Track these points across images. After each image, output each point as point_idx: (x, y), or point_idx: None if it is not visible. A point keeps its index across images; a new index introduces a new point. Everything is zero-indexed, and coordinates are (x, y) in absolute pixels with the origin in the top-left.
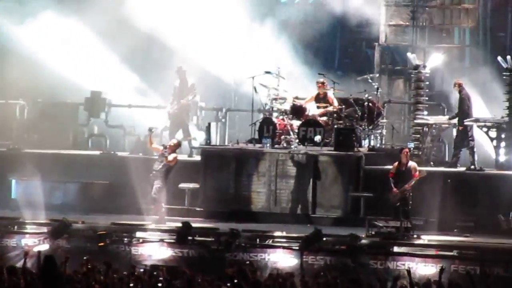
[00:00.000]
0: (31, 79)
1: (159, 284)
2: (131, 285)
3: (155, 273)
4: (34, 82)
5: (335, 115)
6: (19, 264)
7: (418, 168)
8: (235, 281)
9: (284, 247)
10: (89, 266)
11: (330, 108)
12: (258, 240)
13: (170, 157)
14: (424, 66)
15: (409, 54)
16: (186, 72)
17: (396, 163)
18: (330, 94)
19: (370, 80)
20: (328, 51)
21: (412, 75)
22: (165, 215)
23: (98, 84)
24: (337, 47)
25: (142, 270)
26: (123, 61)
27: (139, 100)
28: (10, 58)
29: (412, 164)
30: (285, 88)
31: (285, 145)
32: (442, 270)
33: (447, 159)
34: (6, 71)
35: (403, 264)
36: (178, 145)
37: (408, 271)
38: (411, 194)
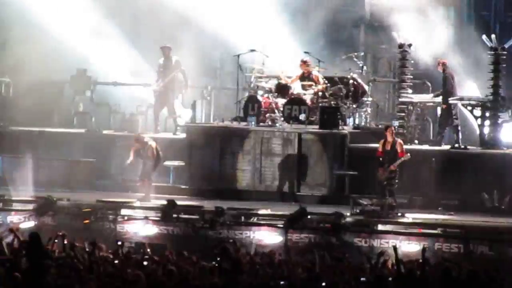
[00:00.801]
0: (16, 56)
1: (145, 262)
2: (116, 262)
3: (141, 250)
4: (19, 59)
5: (320, 93)
6: (5, 241)
7: (404, 146)
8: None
9: (269, 225)
10: (65, 242)
11: (317, 87)
12: (243, 218)
13: (146, 151)
14: (409, 45)
15: (394, 33)
16: (171, 50)
17: (382, 141)
18: (315, 72)
19: (355, 59)
20: (314, 29)
21: (397, 54)
22: (151, 193)
23: (84, 62)
24: (323, 26)
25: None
26: (112, 37)
27: (125, 78)
28: None
29: (398, 141)
30: (270, 66)
31: (270, 123)
32: (424, 250)
33: (431, 137)
34: None
35: (387, 242)
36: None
37: (395, 248)
38: (397, 172)
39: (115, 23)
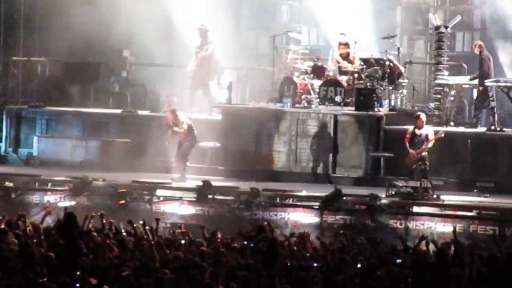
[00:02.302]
0: (53, 36)
1: (182, 241)
2: (152, 242)
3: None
4: (56, 39)
5: (356, 75)
6: (39, 220)
7: (436, 130)
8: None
9: (304, 207)
10: (103, 221)
11: (351, 68)
12: (278, 199)
13: (179, 127)
14: (446, 27)
15: (430, 15)
16: (208, 31)
17: (412, 128)
18: (352, 54)
19: (391, 41)
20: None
21: (433, 36)
22: (187, 173)
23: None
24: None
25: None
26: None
27: (162, 58)
28: (32, 16)
29: (428, 128)
30: (306, 48)
31: (305, 104)
32: (455, 230)
33: (467, 119)
34: (28, 29)
35: (423, 224)
36: (173, 114)
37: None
38: (427, 155)
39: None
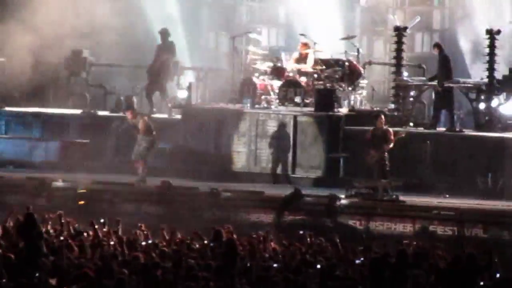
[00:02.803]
0: (12, 36)
1: (143, 243)
2: (111, 242)
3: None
4: (15, 39)
5: (315, 75)
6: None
7: (395, 130)
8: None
9: (263, 207)
10: (62, 221)
11: (313, 70)
12: (238, 199)
13: (139, 126)
14: (405, 28)
15: (389, 16)
16: (168, 33)
17: (372, 128)
18: (311, 54)
19: (351, 41)
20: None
21: (392, 36)
22: (146, 174)
23: (79, 42)
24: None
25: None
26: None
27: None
28: None
29: (387, 128)
30: (266, 49)
31: (265, 105)
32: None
33: (427, 120)
34: None
35: (382, 225)
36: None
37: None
38: (387, 155)
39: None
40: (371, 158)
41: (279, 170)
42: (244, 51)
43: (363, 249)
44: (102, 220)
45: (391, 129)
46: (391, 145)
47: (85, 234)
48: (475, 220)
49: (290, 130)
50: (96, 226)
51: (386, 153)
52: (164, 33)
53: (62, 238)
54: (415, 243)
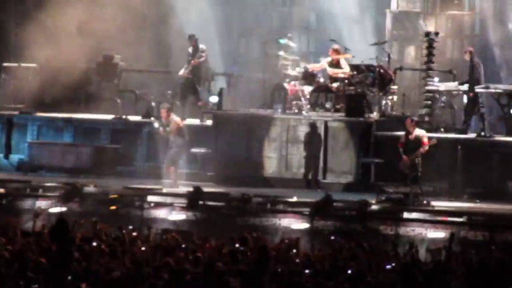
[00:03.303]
0: (44, 42)
1: (174, 248)
2: (143, 248)
3: (168, 236)
4: (47, 44)
5: (346, 81)
6: (31, 227)
7: (428, 135)
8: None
9: (294, 212)
10: (97, 228)
11: (342, 74)
12: (269, 205)
13: (170, 126)
14: (436, 33)
15: (420, 21)
16: (198, 40)
17: (404, 133)
18: (343, 60)
19: (382, 47)
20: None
21: (423, 42)
22: (178, 179)
23: (111, 48)
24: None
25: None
26: (140, 27)
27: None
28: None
29: (420, 132)
30: (297, 54)
31: (296, 110)
32: (452, 236)
33: (457, 125)
34: (20, 35)
35: (413, 230)
36: (167, 112)
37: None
38: (420, 160)
39: (145, 10)
40: (404, 164)
41: (310, 175)
42: (275, 57)
43: (394, 255)
44: (130, 227)
45: (425, 133)
46: (426, 149)
47: (115, 239)
48: (506, 226)
49: (321, 135)
50: (125, 231)
51: (419, 158)
52: (195, 39)
53: (94, 243)
54: (446, 248)
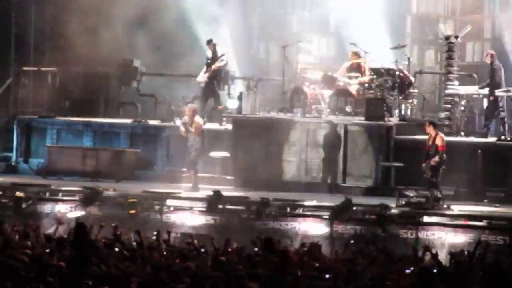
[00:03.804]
0: (63, 46)
1: (193, 252)
2: (162, 253)
3: (187, 241)
4: (67, 49)
5: (366, 85)
6: (51, 231)
7: (446, 138)
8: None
9: (314, 216)
10: (118, 233)
11: (363, 78)
12: (288, 209)
13: (193, 126)
14: (456, 37)
15: (440, 25)
16: (216, 44)
17: (428, 137)
18: (362, 64)
19: (401, 50)
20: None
21: (443, 46)
22: (198, 183)
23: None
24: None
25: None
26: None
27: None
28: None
29: (438, 134)
30: (316, 58)
31: (316, 114)
32: (479, 242)
33: (478, 129)
34: (39, 39)
35: (433, 234)
36: (192, 111)
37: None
38: (442, 165)
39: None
40: (425, 167)
41: (329, 179)
42: (294, 61)
43: (414, 259)
44: (155, 233)
45: (441, 135)
46: (436, 160)
47: (134, 243)
48: None
49: (340, 139)
50: (143, 235)
51: (439, 162)
52: (213, 44)
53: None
54: (468, 253)
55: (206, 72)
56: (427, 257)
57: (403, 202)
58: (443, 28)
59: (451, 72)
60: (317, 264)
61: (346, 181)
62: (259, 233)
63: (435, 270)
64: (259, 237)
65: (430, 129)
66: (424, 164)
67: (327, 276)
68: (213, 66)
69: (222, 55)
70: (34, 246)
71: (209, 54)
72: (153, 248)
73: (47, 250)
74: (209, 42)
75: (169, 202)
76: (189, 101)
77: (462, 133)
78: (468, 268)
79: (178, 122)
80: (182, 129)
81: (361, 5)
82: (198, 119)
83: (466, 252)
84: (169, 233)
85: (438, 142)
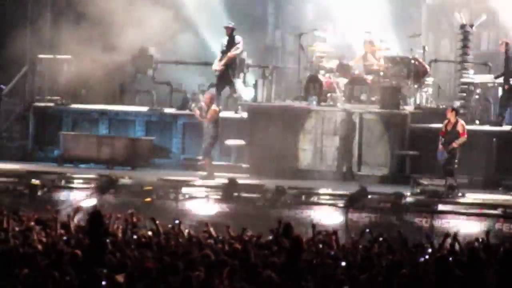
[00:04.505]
0: (79, 34)
1: (209, 240)
2: (178, 240)
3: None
4: (82, 37)
5: (381, 73)
6: (67, 219)
7: (467, 127)
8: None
9: (329, 205)
10: (134, 220)
11: (377, 66)
12: (303, 197)
13: (208, 112)
14: (471, 26)
15: (455, 14)
16: (234, 29)
17: (445, 122)
18: (378, 52)
19: (416, 39)
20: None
21: (458, 34)
22: (214, 171)
23: (146, 40)
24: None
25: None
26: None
27: (188, 56)
28: (58, 14)
29: (460, 121)
30: (332, 46)
31: (331, 103)
32: (488, 233)
33: (492, 118)
34: (54, 27)
35: (448, 222)
36: (210, 98)
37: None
38: (457, 153)
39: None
40: (442, 154)
41: (345, 168)
42: (310, 49)
43: (429, 247)
44: (177, 222)
45: (463, 122)
46: (460, 142)
47: (149, 231)
48: None
49: (356, 127)
50: (157, 223)
51: (456, 149)
52: (230, 29)
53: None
54: (482, 240)
55: (221, 59)
56: (448, 243)
57: (418, 191)
58: (458, 17)
59: (466, 61)
60: (332, 252)
61: (361, 169)
62: (274, 221)
63: (450, 259)
64: (280, 222)
65: (452, 115)
66: (440, 147)
67: (343, 264)
68: (229, 54)
69: (237, 43)
70: (50, 233)
71: (224, 41)
72: (169, 236)
73: (63, 238)
74: (226, 26)
75: (184, 190)
76: (204, 89)
77: (477, 122)
78: (483, 256)
79: (193, 105)
80: (197, 112)
81: None
82: (214, 107)
83: (480, 240)
84: (179, 223)
85: (460, 128)
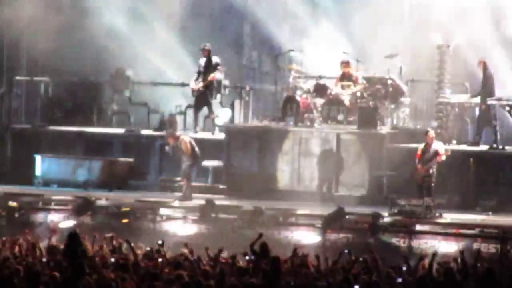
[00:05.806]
0: (56, 56)
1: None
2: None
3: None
4: (59, 59)
5: (358, 94)
6: (45, 241)
7: (445, 147)
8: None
9: (307, 225)
10: (114, 243)
11: (356, 88)
12: (281, 218)
13: (182, 147)
14: (447, 46)
15: (432, 33)
16: (211, 51)
17: (423, 145)
18: (355, 73)
19: (394, 59)
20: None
21: (435, 55)
22: (191, 192)
23: (122, 61)
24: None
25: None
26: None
27: (164, 77)
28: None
29: (438, 144)
30: (308, 67)
31: (308, 123)
32: (462, 253)
33: (470, 137)
34: (30, 48)
35: (426, 243)
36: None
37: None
38: (434, 171)
39: (157, 21)
40: (418, 174)
41: (323, 188)
42: (286, 70)
43: (406, 268)
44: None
45: (441, 144)
46: (442, 159)
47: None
48: None
49: (333, 148)
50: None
51: (434, 169)
52: (208, 49)
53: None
54: (458, 261)
55: (198, 79)
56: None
57: (396, 211)
58: (436, 37)
59: (442, 81)
60: (310, 272)
61: (339, 190)
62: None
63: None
64: (257, 241)
65: (429, 139)
66: (418, 166)
67: (320, 284)
68: (211, 76)
69: (217, 64)
70: (28, 256)
71: (202, 62)
72: (146, 257)
73: (41, 260)
74: (203, 47)
75: (162, 211)
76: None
77: (454, 142)
78: (460, 277)
79: (167, 148)
80: (171, 152)
81: (354, 15)
82: (183, 138)
83: (459, 260)
84: (162, 242)
85: (441, 149)
